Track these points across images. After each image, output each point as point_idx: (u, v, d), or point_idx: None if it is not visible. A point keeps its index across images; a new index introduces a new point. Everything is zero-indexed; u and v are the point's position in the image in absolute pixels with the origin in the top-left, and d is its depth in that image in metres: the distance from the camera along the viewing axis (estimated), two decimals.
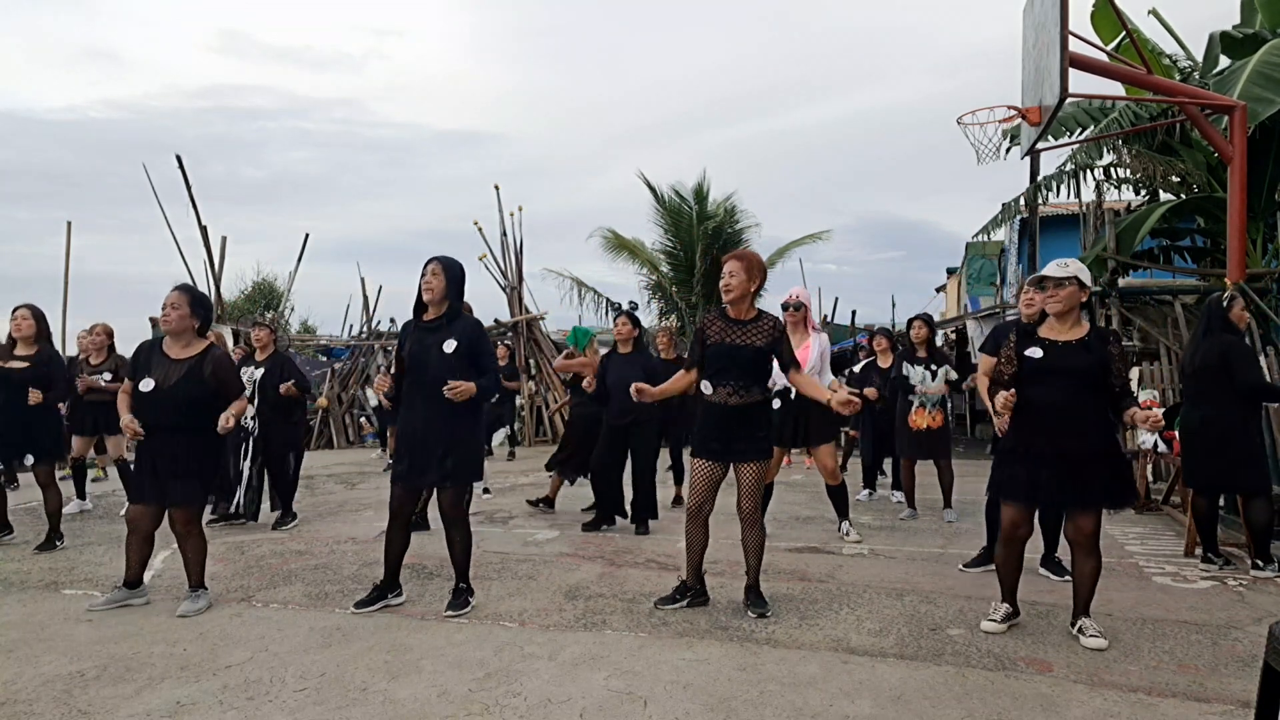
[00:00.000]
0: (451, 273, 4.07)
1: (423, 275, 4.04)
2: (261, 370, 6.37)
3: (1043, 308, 4.34)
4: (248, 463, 6.35)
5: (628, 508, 6.28)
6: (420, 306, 4.11)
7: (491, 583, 4.58)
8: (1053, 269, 3.67)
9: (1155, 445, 7.05)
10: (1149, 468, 7.45)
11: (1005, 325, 4.80)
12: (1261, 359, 6.73)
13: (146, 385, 4.06)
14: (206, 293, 14.70)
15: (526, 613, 4.03)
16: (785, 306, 5.63)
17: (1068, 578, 4.59)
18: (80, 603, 4.20)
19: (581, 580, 4.65)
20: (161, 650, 3.50)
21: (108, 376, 6.61)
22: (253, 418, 6.29)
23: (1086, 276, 3.67)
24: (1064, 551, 4.23)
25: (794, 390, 5.44)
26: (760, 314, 4.08)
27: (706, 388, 4.04)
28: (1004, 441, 3.80)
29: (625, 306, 6.51)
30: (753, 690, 3.05)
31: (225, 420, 4.09)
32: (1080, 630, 3.58)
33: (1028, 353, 3.66)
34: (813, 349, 5.47)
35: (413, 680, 3.16)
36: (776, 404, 5.52)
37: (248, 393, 6.17)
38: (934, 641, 3.59)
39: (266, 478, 6.54)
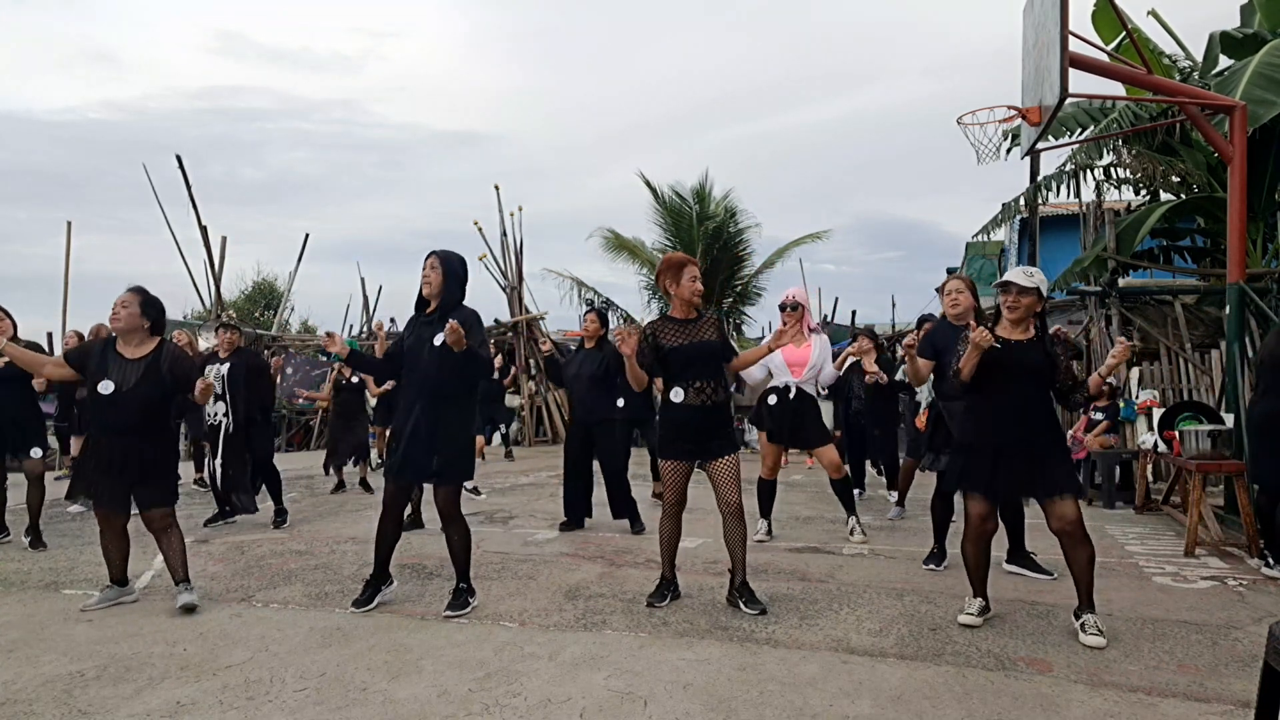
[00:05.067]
0: (449, 266, 4.05)
1: (423, 267, 4.05)
2: (228, 365, 6.37)
3: (961, 308, 4.69)
4: (218, 460, 6.39)
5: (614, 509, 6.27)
6: (422, 300, 4.12)
7: (491, 583, 4.58)
8: (1019, 277, 3.77)
9: (1155, 445, 7.04)
10: (1149, 468, 7.45)
11: (937, 328, 4.80)
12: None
13: (106, 388, 3.98)
14: (209, 290, 14.82)
15: (526, 613, 4.03)
16: (782, 307, 5.61)
17: (1052, 576, 4.63)
18: (80, 602, 4.20)
19: (581, 580, 4.65)
20: (161, 650, 3.50)
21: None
22: (224, 414, 6.32)
23: (1046, 288, 3.81)
24: (1055, 551, 4.19)
25: (793, 390, 5.45)
26: (699, 313, 4.18)
27: (677, 394, 4.04)
28: (961, 436, 3.94)
29: (596, 304, 6.52)
30: (753, 690, 3.05)
31: (203, 383, 4.00)
32: (1082, 626, 3.59)
33: (972, 334, 3.74)
34: (814, 349, 5.49)
35: (413, 680, 3.16)
36: (773, 400, 5.53)
37: (217, 389, 6.24)
38: (934, 641, 3.59)
39: (245, 474, 6.61)
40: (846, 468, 5.95)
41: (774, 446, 5.64)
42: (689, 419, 4.02)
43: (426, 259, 4.06)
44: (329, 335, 4.17)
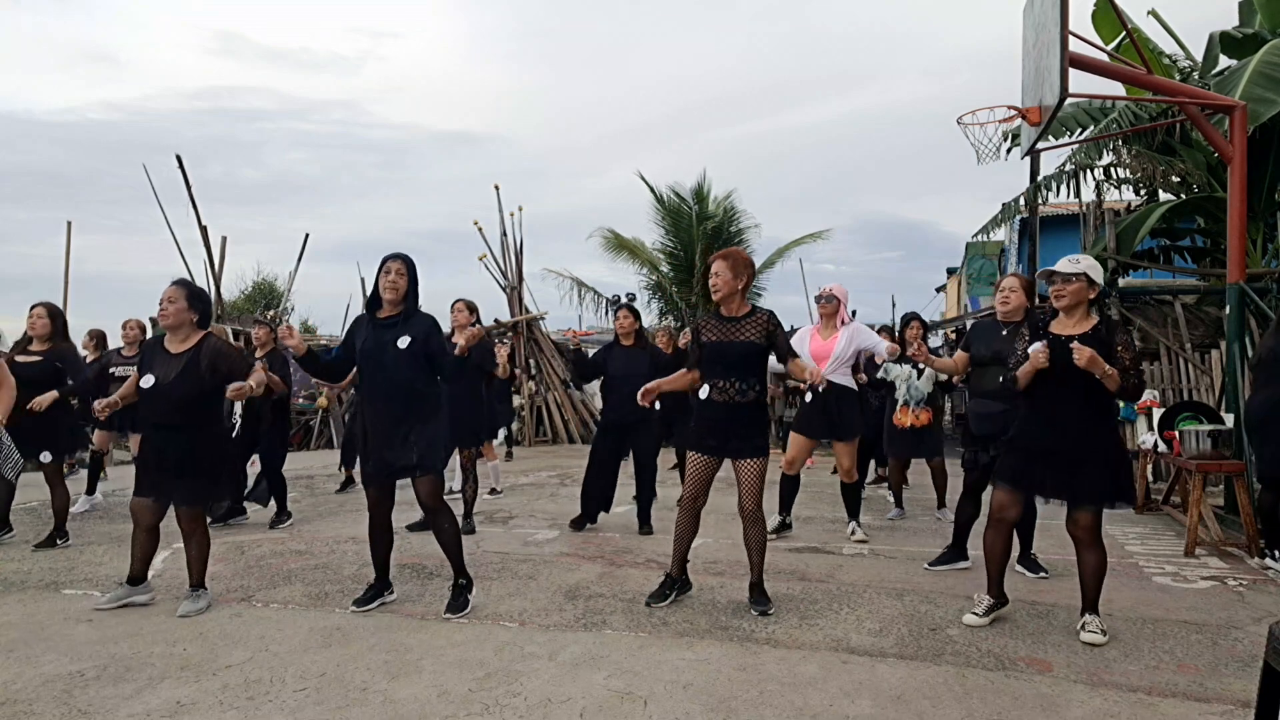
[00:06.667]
0: (413, 272, 4.07)
1: (385, 272, 4.00)
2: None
3: (1012, 306, 4.57)
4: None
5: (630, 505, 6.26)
6: (374, 303, 4.10)
7: (491, 583, 4.58)
8: (1063, 264, 3.69)
9: (1155, 445, 7.04)
10: (1149, 468, 7.45)
11: (982, 324, 4.83)
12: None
13: (147, 382, 4.04)
14: (209, 290, 14.80)
15: (526, 613, 4.03)
16: (817, 299, 5.75)
17: (1043, 574, 4.65)
18: (80, 602, 4.20)
19: (581, 580, 4.65)
20: (161, 650, 3.50)
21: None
22: (240, 414, 6.31)
23: (1097, 274, 3.69)
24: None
25: (821, 384, 5.50)
26: (754, 309, 4.11)
27: (703, 391, 4.07)
28: (1011, 431, 3.88)
29: (623, 299, 6.41)
30: (753, 690, 3.05)
31: (239, 389, 3.98)
32: (1083, 626, 3.60)
33: (1031, 348, 3.68)
34: (840, 340, 5.54)
35: (413, 680, 3.16)
36: (809, 396, 5.58)
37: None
38: (934, 641, 3.59)
39: (256, 473, 6.67)
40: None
41: (800, 440, 5.66)
42: (712, 415, 4.03)
43: (391, 263, 4.01)
44: (288, 327, 4.06)
